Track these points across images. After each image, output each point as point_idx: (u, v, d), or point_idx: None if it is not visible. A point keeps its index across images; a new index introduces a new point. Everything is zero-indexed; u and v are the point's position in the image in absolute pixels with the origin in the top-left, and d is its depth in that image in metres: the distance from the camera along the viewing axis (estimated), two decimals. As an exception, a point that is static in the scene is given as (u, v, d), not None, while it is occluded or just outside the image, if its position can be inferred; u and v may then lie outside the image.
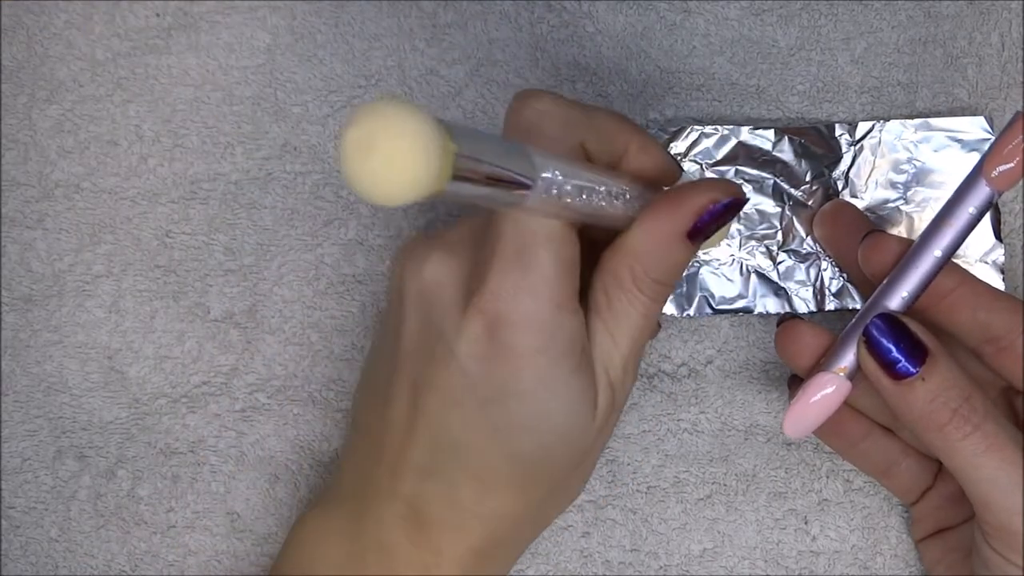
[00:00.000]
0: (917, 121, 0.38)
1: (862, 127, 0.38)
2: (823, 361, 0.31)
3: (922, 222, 0.37)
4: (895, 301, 0.30)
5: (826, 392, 0.30)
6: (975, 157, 0.37)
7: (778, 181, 0.37)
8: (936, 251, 0.29)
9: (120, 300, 0.39)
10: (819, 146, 0.38)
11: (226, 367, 0.39)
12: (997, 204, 0.37)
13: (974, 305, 0.30)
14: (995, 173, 0.28)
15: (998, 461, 0.28)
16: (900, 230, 0.37)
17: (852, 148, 0.38)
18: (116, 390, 0.39)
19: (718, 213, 0.28)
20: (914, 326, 0.29)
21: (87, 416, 0.39)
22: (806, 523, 0.37)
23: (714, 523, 0.37)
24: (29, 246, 0.40)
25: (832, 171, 0.38)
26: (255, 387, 0.39)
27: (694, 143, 0.38)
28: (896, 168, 0.38)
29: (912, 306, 0.30)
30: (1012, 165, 0.28)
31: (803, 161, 0.37)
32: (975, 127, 0.37)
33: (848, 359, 0.30)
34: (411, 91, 0.40)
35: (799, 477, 0.37)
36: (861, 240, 0.32)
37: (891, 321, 0.29)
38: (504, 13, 0.40)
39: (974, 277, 0.31)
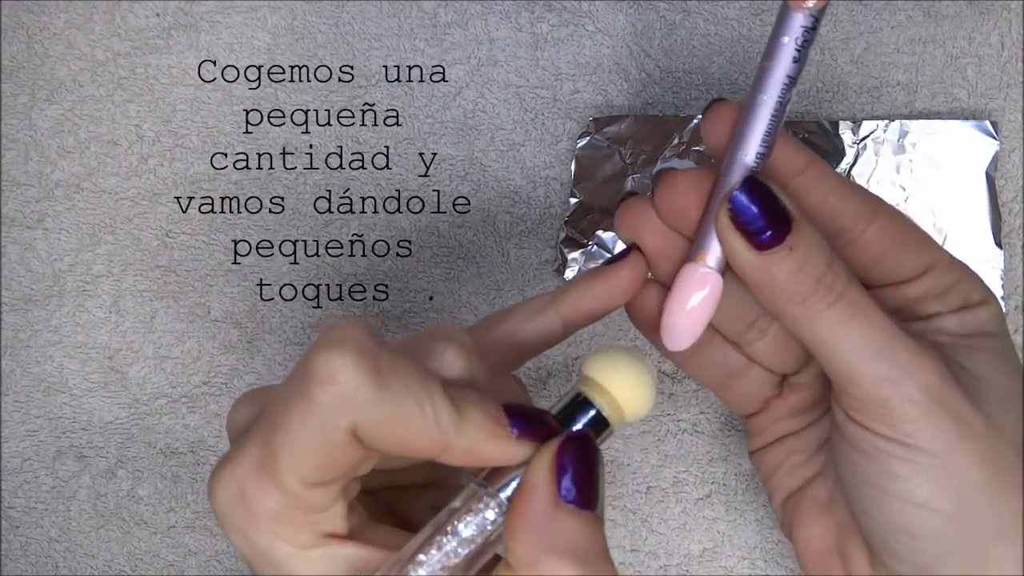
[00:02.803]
0: (921, 123, 0.38)
1: (866, 126, 0.38)
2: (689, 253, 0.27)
3: (923, 224, 0.37)
4: (741, 166, 0.26)
5: (702, 294, 0.26)
6: (979, 160, 0.37)
7: None
8: (762, 94, 0.26)
9: (120, 300, 0.39)
10: (822, 142, 0.38)
11: (226, 367, 0.39)
12: (998, 206, 0.37)
13: (824, 189, 0.27)
14: (810, 2, 0.25)
15: (864, 327, 0.25)
16: None
17: (855, 146, 0.38)
18: (116, 390, 0.39)
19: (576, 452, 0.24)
20: (776, 189, 0.26)
21: (87, 416, 0.39)
22: (806, 523, 0.37)
23: (714, 523, 0.37)
24: (29, 246, 0.40)
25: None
26: (255, 387, 0.39)
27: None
28: (898, 168, 0.37)
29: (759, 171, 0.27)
30: None
31: None
32: (979, 130, 0.37)
33: (712, 246, 0.26)
34: (411, 91, 0.40)
35: (799, 477, 0.37)
36: (704, 111, 0.28)
37: (756, 185, 0.25)
38: (504, 13, 0.40)
39: (823, 162, 0.28)
